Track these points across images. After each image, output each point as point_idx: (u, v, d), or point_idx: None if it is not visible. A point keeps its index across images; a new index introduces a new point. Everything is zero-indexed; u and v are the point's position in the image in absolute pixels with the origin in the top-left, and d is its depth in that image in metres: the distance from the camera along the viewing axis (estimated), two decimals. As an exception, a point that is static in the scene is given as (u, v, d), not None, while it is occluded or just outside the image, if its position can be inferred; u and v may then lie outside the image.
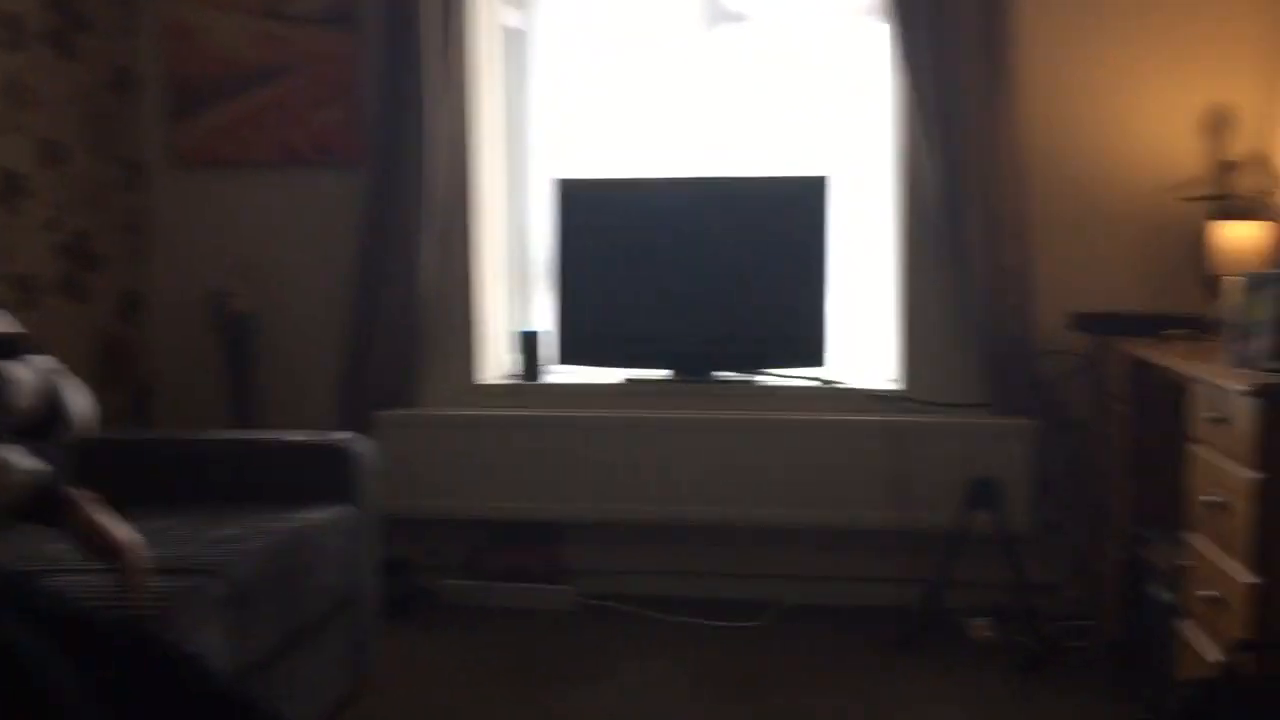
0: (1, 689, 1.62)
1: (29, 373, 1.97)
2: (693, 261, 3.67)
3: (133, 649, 1.84)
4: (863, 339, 3.74)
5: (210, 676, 1.88)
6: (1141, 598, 2.82)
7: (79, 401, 2.09)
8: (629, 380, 3.70)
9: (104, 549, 1.96)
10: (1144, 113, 3.41)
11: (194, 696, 1.83)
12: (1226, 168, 3.26)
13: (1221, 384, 2.24)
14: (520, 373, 3.79)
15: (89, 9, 3.56)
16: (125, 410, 3.65)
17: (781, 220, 3.64)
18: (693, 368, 3.68)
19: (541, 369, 3.77)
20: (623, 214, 3.72)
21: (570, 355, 3.75)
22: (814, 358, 3.61)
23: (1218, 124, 3.35)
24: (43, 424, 2.01)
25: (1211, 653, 2.26)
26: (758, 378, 3.66)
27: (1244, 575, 2.14)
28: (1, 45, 3.21)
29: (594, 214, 3.73)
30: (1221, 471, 2.26)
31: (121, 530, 1.99)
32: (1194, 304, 3.21)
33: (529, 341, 3.77)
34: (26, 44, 3.30)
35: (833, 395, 3.59)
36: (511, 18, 3.85)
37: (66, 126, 3.48)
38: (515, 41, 3.88)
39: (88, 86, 3.57)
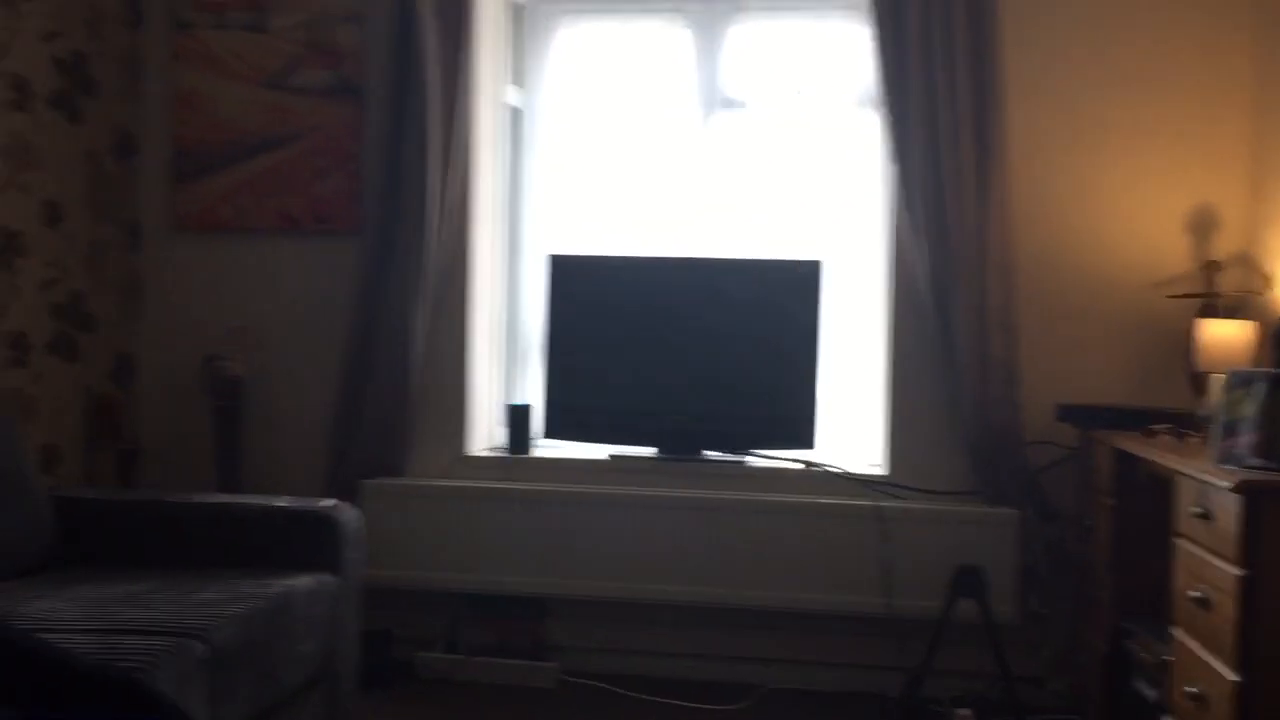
0: None
1: None
2: (683, 341, 3.70)
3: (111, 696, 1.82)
4: (852, 423, 3.76)
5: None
6: (1126, 692, 2.81)
7: None
8: (613, 457, 3.70)
9: None
10: (1132, 211, 3.48)
11: None
12: (1212, 267, 3.32)
13: (1206, 479, 2.26)
14: (508, 446, 3.79)
15: (97, 73, 3.62)
16: (112, 471, 3.64)
17: (773, 302, 3.68)
18: (680, 446, 3.69)
19: (530, 443, 3.78)
20: (615, 292, 3.76)
21: (557, 430, 3.76)
22: (802, 440, 3.62)
23: (1204, 223, 3.43)
24: None
25: (1195, 750, 2.25)
26: (745, 458, 3.67)
27: (1228, 673, 2.14)
28: (8, 105, 3.26)
29: (586, 290, 3.77)
30: (1206, 567, 2.27)
31: None
32: (1180, 400, 3.24)
33: (518, 415, 3.78)
34: (32, 105, 3.35)
35: (819, 478, 3.59)
36: (513, 96, 3.92)
37: (68, 188, 3.51)
38: (515, 120, 3.95)
39: (91, 149, 3.62)
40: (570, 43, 3.93)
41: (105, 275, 3.70)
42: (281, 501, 2.94)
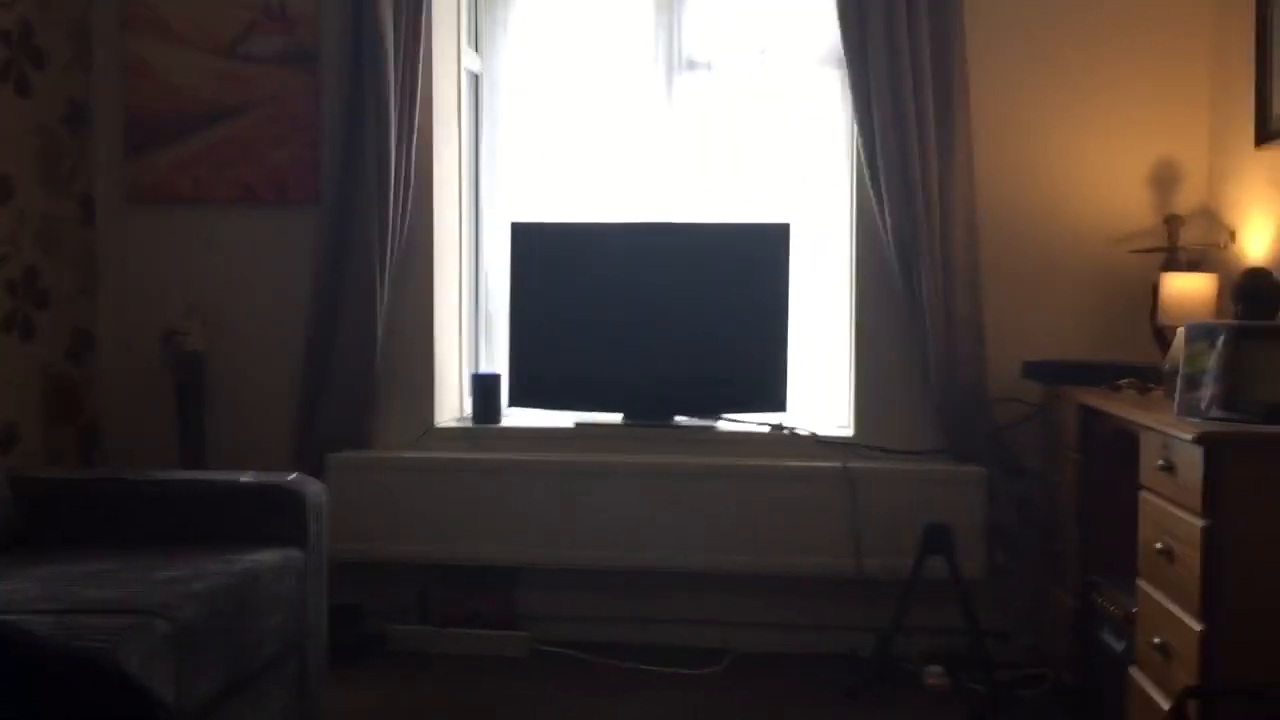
0: None
1: None
2: (651, 307, 3.68)
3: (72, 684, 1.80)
4: (821, 385, 3.76)
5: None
6: (1093, 645, 2.83)
7: None
8: (579, 424, 3.69)
9: None
10: (1094, 167, 3.48)
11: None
12: (1174, 221, 3.33)
13: (1169, 432, 2.27)
14: (475, 416, 3.76)
15: (45, 44, 3.53)
16: (73, 450, 3.59)
17: (742, 266, 3.66)
18: (649, 412, 3.68)
19: (498, 412, 3.75)
20: (580, 258, 3.73)
21: (523, 398, 3.74)
22: (773, 403, 3.62)
23: (1165, 178, 3.43)
24: None
25: (1162, 700, 2.27)
26: (714, 423, 3.66)
27: (1192, 622, 2.16)
28: (-46, 79, 3.18)
29: (551, 258, 3.73)
30: (1170, 519, 2.28)
31: None
32: (1144, 354, 3.26)
33: (485, 384, 3.75)
34: (-20, 78, 3.27)
35: (788, 441, 3.59)
36: (473, 61, 3.87)
37: (19, 161, 3.44)
38: (475, 86, 3.90)
39: (42, 121, 3.54)
40: (530, 6, 3.88)
41: (60, 250, 3.63)
42: (245, 477, 2.90)
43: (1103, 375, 3.05)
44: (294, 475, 2.91)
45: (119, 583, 2.40)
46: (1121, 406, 2.68)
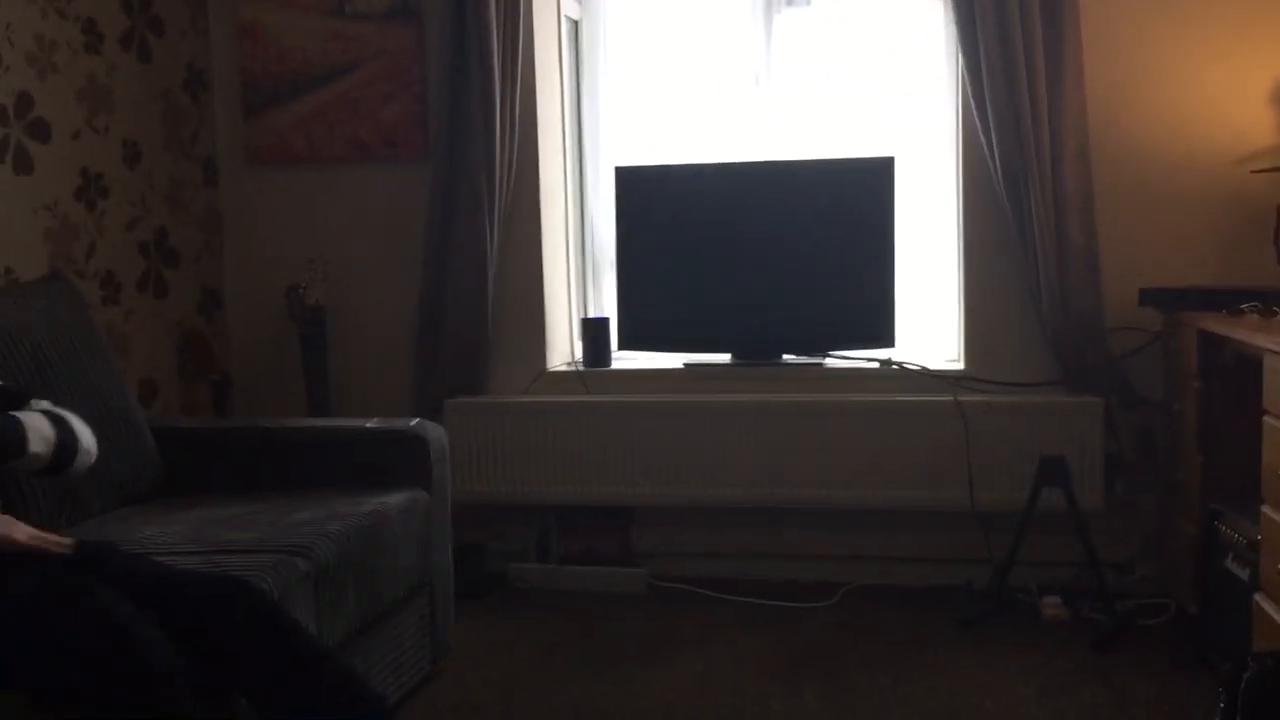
0: (96, 651, 1.71)
1: (41, 419, 2.21)
2: (756, 246, 3.68)
3: (223, 604, 1.94)
4: (931, 319, 3.74)
5: (312, 641, 1.97)
6: (1217, 573, 2.80)
7: (85, 435, 2.31)
8: (688, 365, 3.73)
9: None
10: (1212, 85, 3.36)
11: (301, 660, 1.91)
12: (1298, 138, 3.21)
13: (1294, 355, 2.22)
14: (586, 360, 3.83)
15: (162, 11, 3.66)
16: (206, 403, 3.76)
17: (847, 202, 3.64)
18: (757, 351, 3.70)
19: (608, 356, 3.81)
20: (685, 200, 3.75)
21: (633, 341, 3.79)
22: (881, 338, 3.61)
23: (1289, 94, 3.30)
24: (57, 462, 2.24)
25: (1288, 626, 2.24)
26: (823, 360, 3.67)
27: (1320, 547, 2.13)
28: (81, 49, 3.32)
29: (655, 201, 3.76)
30: (1295, 443, 2.24)
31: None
32: (1267, 278, 3.17)
33: (595, 328, 3.81)
34: (103, 47, 3.41)
35: (898, 376, 3.59)
36: (572, 9, 3.89)
37: (144, 126, 3.59)
38: (576, 32, 3.93)
39: (163, 87, 3.68)
40: (627, -50, 3.88)
41: (186, 211, 3.78)
42: (370, 423, 3.01)
43: (1224, 300, 2.97)
44: (416, 420, 3.02)
45: (258, 525, 2.53)
46: (1244, 331, 2.62)
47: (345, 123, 3.81)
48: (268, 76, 3.84)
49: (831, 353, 3.67)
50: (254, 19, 3.83)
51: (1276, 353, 2.33)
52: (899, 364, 3.60)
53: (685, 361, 3.75)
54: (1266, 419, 2.40)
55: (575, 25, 3.93)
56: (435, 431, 2.99)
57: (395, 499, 2.76)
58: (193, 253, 3.81)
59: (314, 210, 3.89)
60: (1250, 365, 2.54)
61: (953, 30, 3.41)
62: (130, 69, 3.52)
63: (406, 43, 3.75)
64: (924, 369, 3.58)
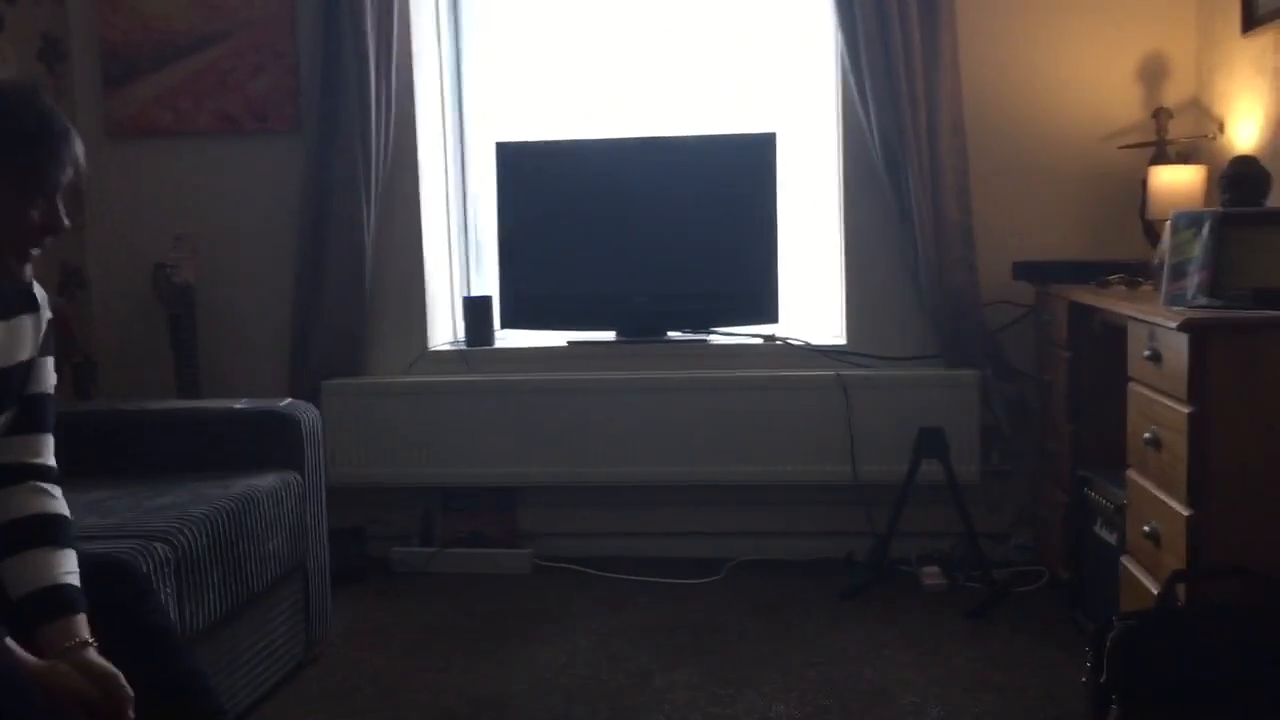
0: None
1: None
2: (639, 222, 3.66)
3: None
4: (813, 295, 3.76)
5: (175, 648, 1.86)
6: (1087, 539, 2.86)
7: None
8: (571, 343, 3.69)
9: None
10: (1081, 62, 3.43)
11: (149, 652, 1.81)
12: (1163, 114, 3.29)
13: (1155, 321, 2.27)
14: (469, 339, 3.77)
15: (15, -22, 3.48)
16: (70, 385, 3.60)
17: (730, 178, 3.64)
18: (641, 328, 3.68)
19: (491, 334, 3.76)
20: (567, 176, 3.71)
21: (516, 319, 3.74)
22: (765, 314, 3.62)
23: (1154, 71, 3.40)
24: None
25: (1151, 586, 2.30)
26: (707, 337, 3.67)
27: (1180, 508, 2.18)
28: (-76, 15, 3.14)
29: (538, 177, 3.71)
30: (1157, 407, 2.29)
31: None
32: (1135, 251, 3.25)
33: (477, 306, 3.75)
34: (-50, 14, 3.23)
35: (781, 352, 3.60)
36: (450, -21, 3.82)
37: (-4, 98, 3.40)
38: (454, 2, 3.85)
39: (16, 57, 3.50)
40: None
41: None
42: (239, 404, 2.92)
43: (1092, 273, 3.04)
44: (287, 401, 2.93)
45: (118, 511, 2.43)
46: (1109, 301, 2.68)
47: (213, 95, 3.68)
48: (129, 46, 3.69)
49: (716, 329, 3.67)
50: (114, -14, 3.66)
51: (1140, 321, 2.38)
52: (782, 339, 3.61)
53: (569, 339, 3.71)
54: (1130, 385, 2.46)
55: (453, -3, 3.85)
56: (307, 412, 2.91)
57: (265, 482, 2.67)
58: (52, 230, 3.64)
59: (181, 186, 3.75)
60: (1117, 335, 2.60)
61: (834, 5, 3.42)
62: (-21, 36, 3.35)
63: (277, 11, 3.63)
64: (806, 344, 3.60)
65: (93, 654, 1.67)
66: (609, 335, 3.71)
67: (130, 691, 1.64)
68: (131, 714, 1.63)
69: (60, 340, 3.55)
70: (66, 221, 1.73)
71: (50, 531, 1.81)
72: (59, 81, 3.69)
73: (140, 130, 3.73)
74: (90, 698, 1.61)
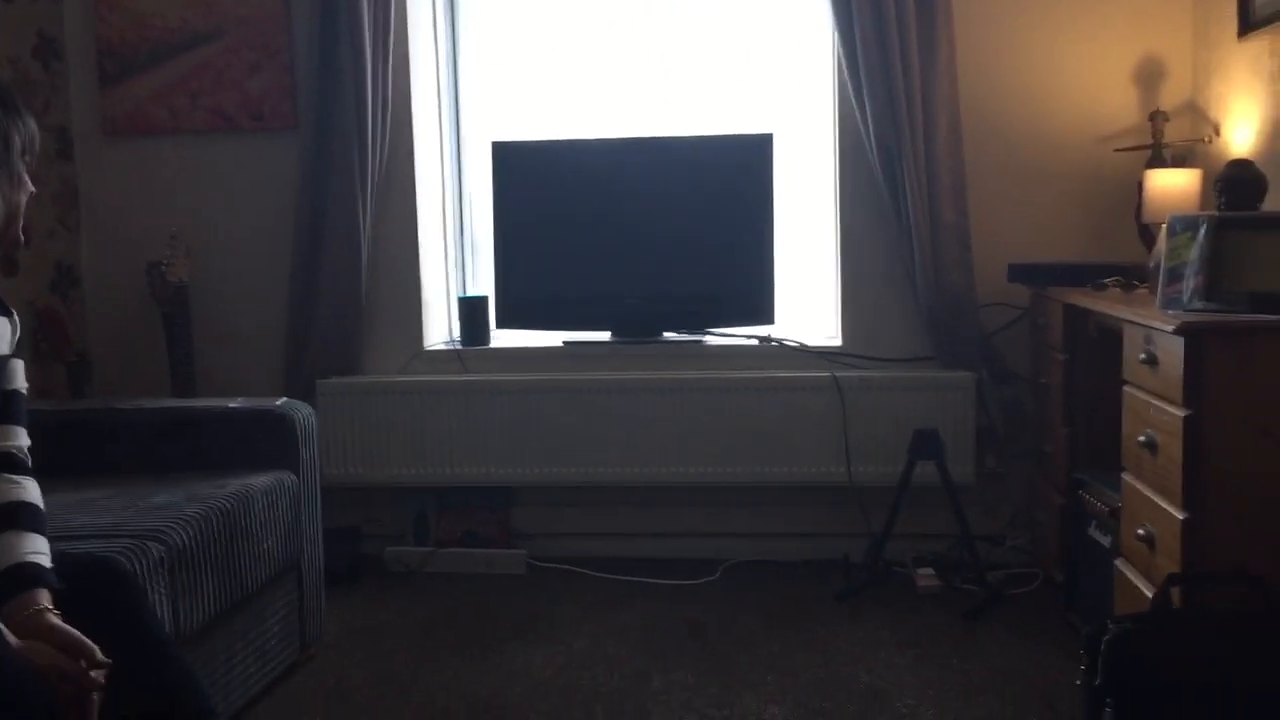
0: None
1: None
2: (635, 223, 3.66)
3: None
4: (809, 296, 3.76)
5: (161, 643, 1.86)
6: (1081, 541, 2.87)
7: None
8: (567, 343, 3.69)
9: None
10: (1077, 66, 3.44)
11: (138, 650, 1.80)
12: (1159, 117, 3.29)
13: (1151, 325, 2.27)
14: (464, 339, 3.76)
15: (11, -25, 3.48)
16: (62, 384, 3.59)
17: (726, 179, 3.63)
18: (637, 329, 3.68)
19: (486, 334, 3.75)
20: (563, 176, 3.70)
21: (511, 319, 3.73)
22: (761, 315, 3.62)
23: (1150, 74, 3.40)
24: None
25: (1146, 589, 2.30)
26: (703, 337, 3.67)
27: (1175, 511, 2.18)
28: (-81, 12, 3.13)
29: (534, 176, 3.70)
30: (1152, 410, 2.29)
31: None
32: (1130, 254, 3.26)
33: (472, 307, 3.75)
34: (-54, 11, 3.22)
35: (777, 353, 3.60)
36: (447, -21, 3.81)
37: (-9, 95, 3.39)
38: (451, 3, 3.84)
39: (11, 55, 3.49)
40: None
41: (38, 184, 3.59)
42: (233, 403, 2.91)
43: (1088, 275, 3.04)
44: (282, 400, 2.92)
45: (112, 509, 2.42)
46: (1105, 304, 2.68)
47: (208, 93, 3.67)
48: (125, 44, 3.68)
49: (712, 330, 3.67)
50: (110, -17, 3.65)
51: (1136, 324, 2.38)
52: (778, 341, 3.61)
53: (565, 340, 3.71)
54: (1126, 389, 2.46)
55: (450, -3, 3.84)
56: (302, 411, 2.90)
57: (259, 481, 2.67)
58: (45, 228, 3.63)
59: (176, 184, 3.74)
60: (1113, 337, 2.60)
61: (830, 6, 3.41)
62: (-26, 33, 3.34)
63: (273, 9, 3.62)
64: (802, 345, 3.60)
65: (54, 618, 1.67)
66: (604, 336, 3.70)
67: (99, 653, 1.64)
68: (102, 679, 1.63)
69: (54, 339, 3.57)
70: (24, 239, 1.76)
71: (16, 517, 1.82)
72: (54, 79, 3.68)
73: (135, 128, 3.72)
74: (68, 670, 1.61)
